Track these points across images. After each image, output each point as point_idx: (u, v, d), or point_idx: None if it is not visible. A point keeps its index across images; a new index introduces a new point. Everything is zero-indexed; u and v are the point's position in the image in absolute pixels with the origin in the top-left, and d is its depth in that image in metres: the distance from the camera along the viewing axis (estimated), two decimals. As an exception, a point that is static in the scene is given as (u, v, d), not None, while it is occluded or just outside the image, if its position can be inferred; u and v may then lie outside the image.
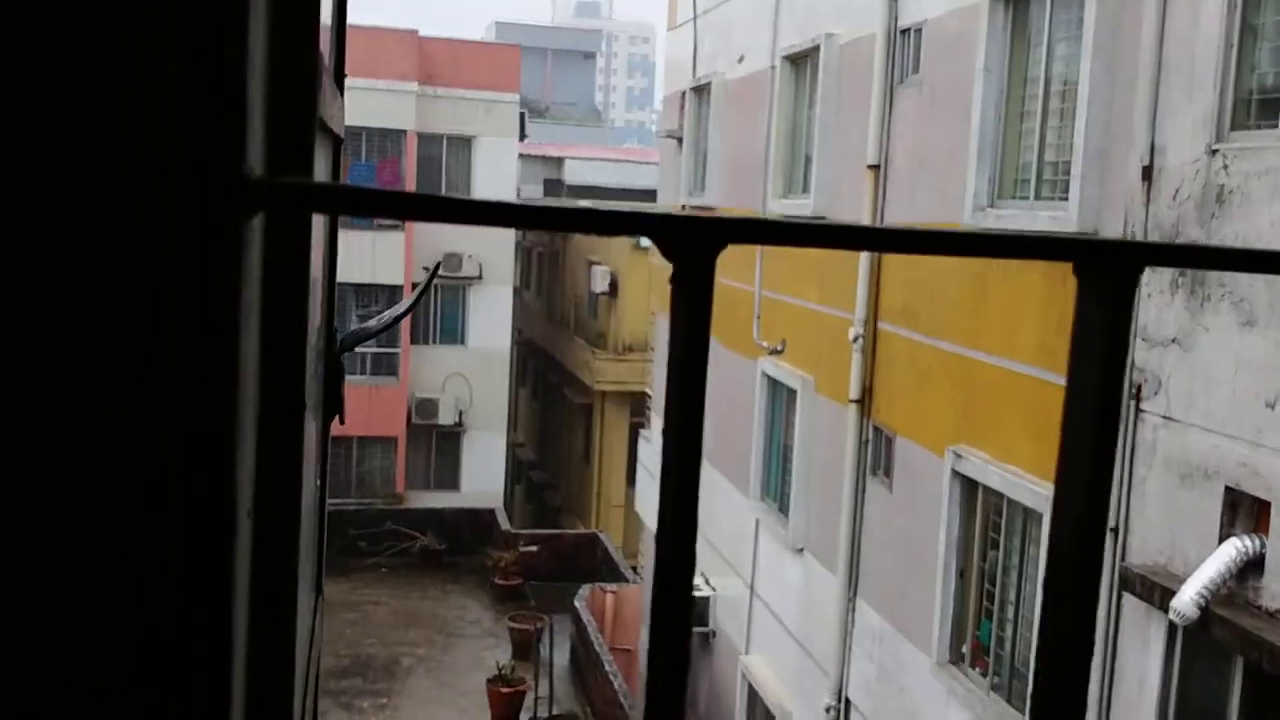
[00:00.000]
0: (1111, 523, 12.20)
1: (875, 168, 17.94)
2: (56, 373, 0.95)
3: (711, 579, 25.15)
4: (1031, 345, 13.70)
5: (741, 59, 24.29)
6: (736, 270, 22.94)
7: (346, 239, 39.83)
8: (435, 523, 41.29)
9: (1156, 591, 11.28)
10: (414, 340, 44.01)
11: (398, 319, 5.96)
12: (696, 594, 24.85)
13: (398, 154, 43.47)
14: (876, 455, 17.93)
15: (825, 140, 20.00)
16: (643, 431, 32.40)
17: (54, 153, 0.93)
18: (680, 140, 27.93)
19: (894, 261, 17.40)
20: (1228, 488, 10.81)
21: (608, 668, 28.47)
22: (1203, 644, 11.15)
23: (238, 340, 1.00)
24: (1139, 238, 11.86)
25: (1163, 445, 11.67)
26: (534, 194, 55.21)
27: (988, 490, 14.89)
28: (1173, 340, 11.58)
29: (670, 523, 0.97)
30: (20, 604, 0.97)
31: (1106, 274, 1.02)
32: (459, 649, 33.81)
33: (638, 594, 32.10)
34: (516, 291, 49.44)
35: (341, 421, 3.33)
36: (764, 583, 22.33)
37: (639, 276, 39.44)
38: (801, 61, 21.42)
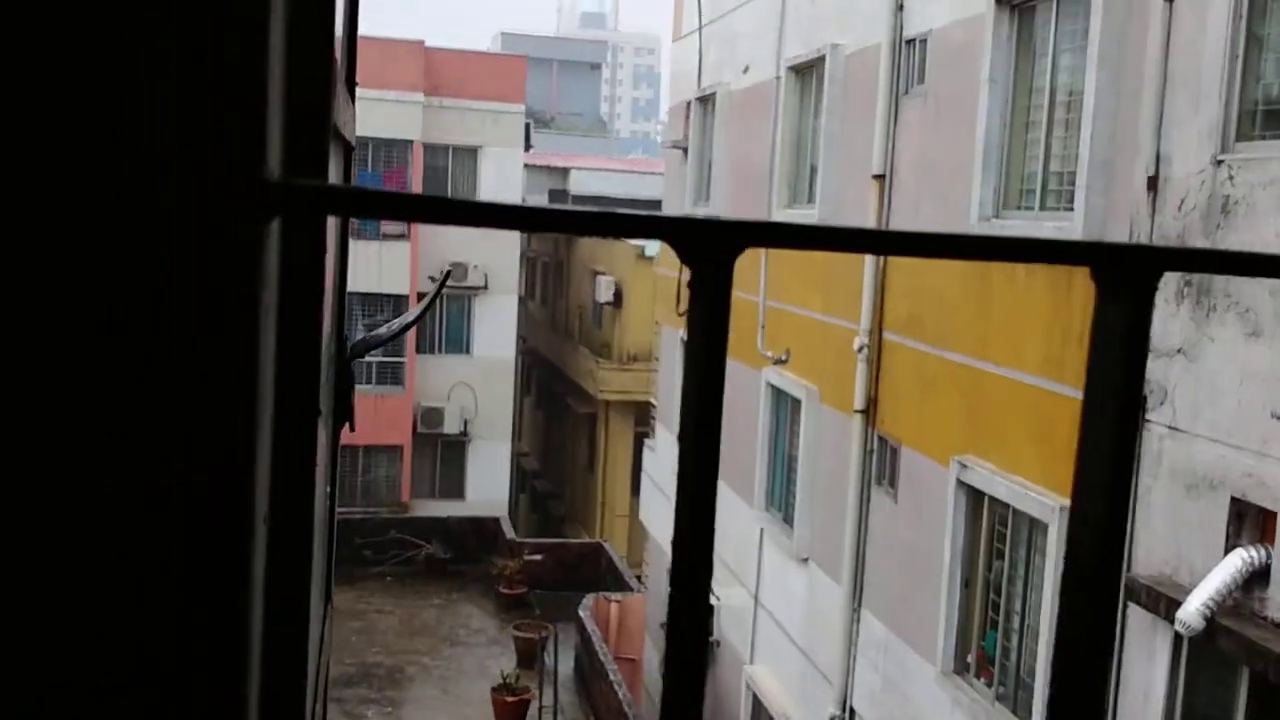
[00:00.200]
0: (1117, 533, 12.17)
1: (880, 178, 17.94)
2: (79, 376, 0.95)
3: (716, 588, 25.11)
4: (1037, 355, 13.70)
5: (747, 69, 24.29)
6: (741, 280, 22.88)
7: (353, 248, 39.91)
8: (440, 531, 41.30)
9: (1162, 602, 11.26)
10: (419, 349, 44.02)
11: (407, 326, 5.97)
12: (701, 603, 24.79)
13: (404, 164, 43.51)
14: (881, 465, 17.92)
15: (830, 150, 20.00)
16: (647, 441, 32.39)
17: (77, 158, 0.93)
18: (685, 150, 27.95)
19: (899, 271, 17.40)
20: (1233, 498, 10.80)
21: (612, 677, 28.44)
22: (1208, 655, 11.14)
23: (257, 344, 0.99)
24: (1145, 248, 11.84)
25: (1168, 456, 11.66)
26: (539, 204, 55.17)
27: (993, 500, 14.87)
28: (1178, 350, 11.57)
29: (687, 529, 0.97)
30: (20, 604, 0.97)
31: (1125, 278, 1.02)
32: (464, 657, 33.80)
33: (642, 603, 32.09)
34: (521, 301, 49.45)
35: (352, 429, 3.33)
36: (769, 592, 22.32)
37: (643, 286, 39.40)
38: (807, 72, 21.43)
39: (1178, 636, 11.24)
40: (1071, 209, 13.35)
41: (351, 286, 38.92)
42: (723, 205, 25.00)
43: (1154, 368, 11.84)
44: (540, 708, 29.57)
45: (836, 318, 19.27)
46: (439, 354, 45.00)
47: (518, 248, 47.28)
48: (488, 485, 45.39)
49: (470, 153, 45.01)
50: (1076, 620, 1.03)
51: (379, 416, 42.34)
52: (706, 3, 26.73)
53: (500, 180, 44.51)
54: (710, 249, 0.97)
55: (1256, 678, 10.60)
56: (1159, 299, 11.74)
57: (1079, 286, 12.76)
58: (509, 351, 46.42)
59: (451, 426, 44.46)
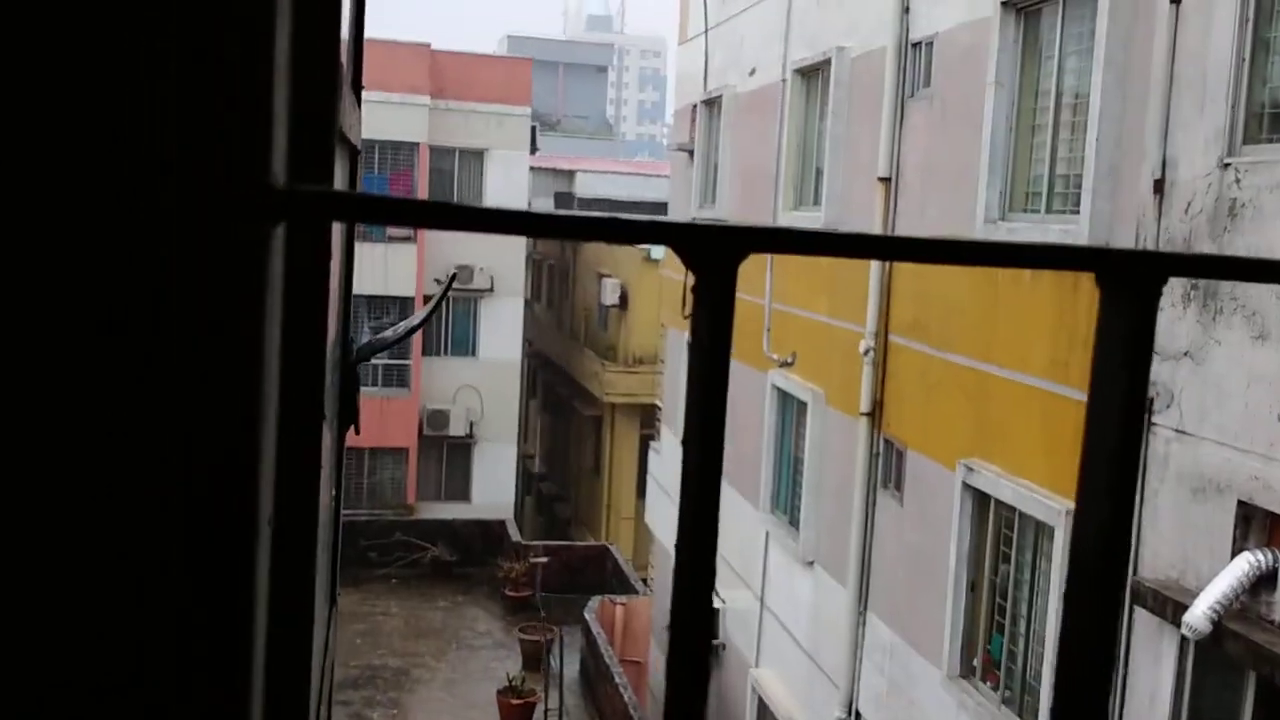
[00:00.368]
0: (1123, 536, 12.17)
1: (886, 180, 17.94)
2: (80, 377, 0.95)
3: (721, 591, 25.13)
4: (1043, 359, 13.69)
5: (753, 72, 24.31)
6: (747, 283, 22.92)
7: (359, 251, 39.93)
8: (446, 534, 41.36)
9: (1169, 606, 11.26)
10: (425, 352, 44.05)
11: (413, 330, 5.97)
12: (707, 606, 24.81)
13: (410, 166, 43.54)
14: (887, 468, 17.91)
15: (836, 153, 20.00)
16: (653, 444, 32.41)
17: (54, 155, 0.93)
18: (691, 153, 27.96)
19: (904, 274, 17.40)
20: (1240, 501, 10.79)
21: (617, 679, 28.46)
22: (1215, 659, 11.14)
23: (260, 347, 1.00)
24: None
25: (1175, 459, 11.65)
26: (545, 207, 55.25)
27: (999, 504, 14.87)
28: (1185, 354, 11.57)
29: (690, 532, 0.97)
30: (20, 604, 0.97)
31: (1129, 283, 1.02)
32: (469, 660, 33.83)
33: (648, 606, 32.09)
34: (527, 304, 49.47)
35: (357, 432, 3.33)
36: (774, 595, 22.32)
37: (649, 289, 39.40)
38: (812, 74, 21.44)
39: (1184, 640, 11.23)
40: (1077, 212, 13.35)
41: (358, 289, 39.02)
42: (728, 208, 25.01)
43: (1161, 371, 11.84)
44: (546, 710, 29.59)
45: (842, 320, 19.27)
46: (445, 356, 45.02)
47: (524, 251, 47.31)
48: (493, 488, 45.41)
49: (476, 155, 45.04)
50: (1080, 624, 1.04)
51: (385, 419, 42.38)
52: (712, 6, 26.72)
53: (506, 183, 44.54)
54: (714, 254, 0.98)
55: (1263, 682, 10.60)
56: (1165, 302, 11.76)
57: (1084, 290, 12.75)
58: (515, 354, 46.44)
59: (457, 429, 44.48)
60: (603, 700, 30.31)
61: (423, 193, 42.69)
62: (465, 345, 45.42)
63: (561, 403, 50.53)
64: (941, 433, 16.29)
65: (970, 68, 15.67)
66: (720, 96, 26.01)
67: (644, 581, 35.40)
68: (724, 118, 25.83)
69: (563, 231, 1.01)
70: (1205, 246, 11.33)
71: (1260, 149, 10.97)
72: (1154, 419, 11.90)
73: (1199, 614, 10.51)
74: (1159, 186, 11.94)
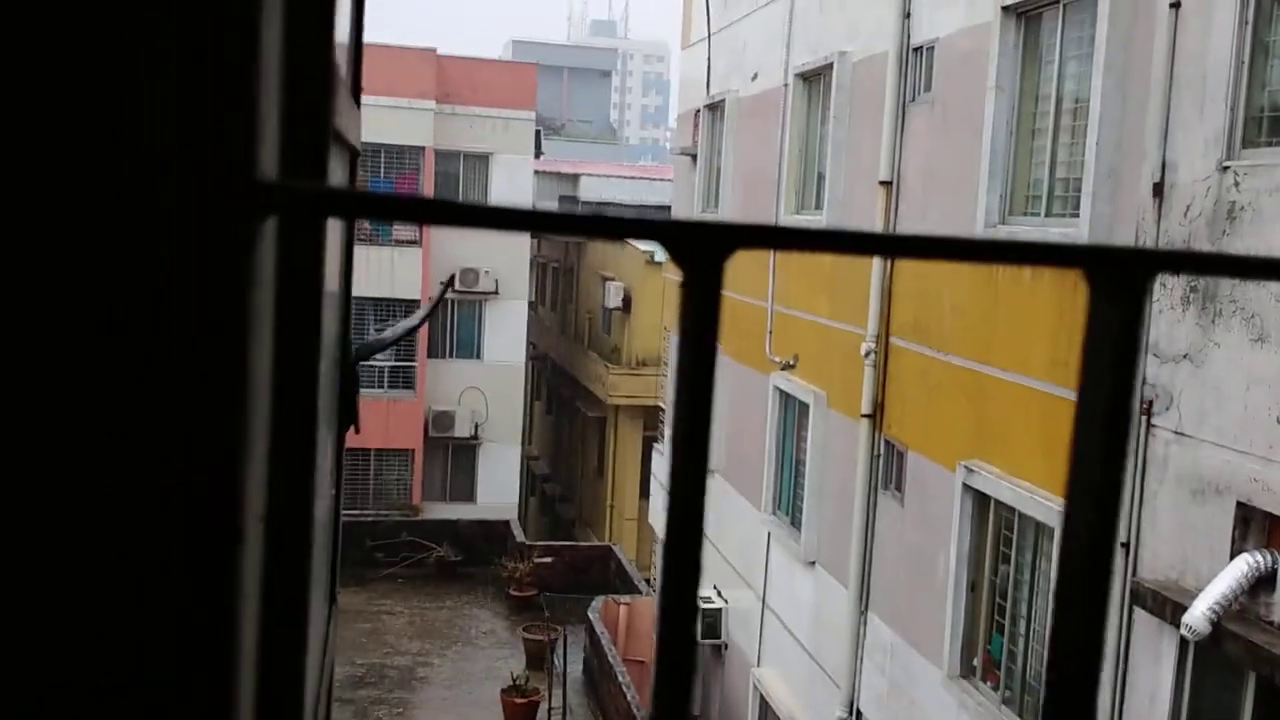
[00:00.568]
0: (1123, 537, 12.19)
1: (887, 184, 17.94)
2: (59, 373, 0.96)
3: (723, 591, 25.13)
4: (1043, 360, 13.69)
5: (755, 77, 24.30)
6: (749, 285, 22.94)
7: (365, 254, 40.11)
8: (451, 534, 41.33)
9: (1168, 606, 11.26)
10: (431, 354, 44.03)
11: (411, 330, 6.00)
12: (709, 606, 24.85)
13: (416, 170, 43.52)
14: (888, 469, 17.91)
15: (838, 157, 20.00)
16: (656, 445, 32.41)
17: (54, 155, 0.94)
18: (694, 157, 27.95)
19: (905, 276, 17.39)
20: (1239, 503, 10.79)
21: (621, 679, 28.43)
22: (1214, 659, 11.13)
23: (245, 343, 1.00)
24: (1152, 253, 11.85)
25: (1174, 460, 11.65)
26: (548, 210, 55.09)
27: (999, 504, 14.86)
28: (1184, 356, 11.57)
29: (677, 530, 0.98)
30: (20, 604, 0.98)
31: (1117, 281, 1.02)
32: (474, 659, 33.80)
33: (650, 606, 32.05)
34: (531, 306, 49.45)
35: (356, 431, 3.34)
36: (776, 595, 22.31)
37: (652, 292, 39.36)
38: (814, 79, 21.44)
39: (1183, 641, 11.23)
40: (1077, 215, 13.35)
41: (364, 291, 39.11)
42: (731, 211, 24.99)
43: (1160, 373, 11.84)
44: (549, 709, 29.56)
45: (843, 323, 19.27)
46: (450, 358, 45.01)
47: (528, 253, 47.30)
48: (498, 488, 45.40)
49: (481, 159, 45.02)
50: (1070, 623, 1.05)
51: (390, 420, 42.41)
52: (715, 11, 26.73)
53: (511, 187, 44.51)
54: (701, 250, 0.98)
55: (1262, 682, 10.59)
56: (1165, 304, 11.78)
57: (1084, 291, 12.75)
58: (519, 356, 46.42)
59: (462, 430, 44.46)
60: (606, 699, 30.30)
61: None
62: (470, 347, 45.41)
63: (565, 404, 50.52)
64: (942, 434, 16.29)
65: (971, 72, 15.67)
66: (723, 101, 26.00)
67: (647, 581, 35.40)
68: (727, 122, 25.83)
69: (550, 227, 1.01)
70: (1204, 249, 11.33)
71: (1259, 152, 10.97)
72: (1153, 421, 11.90)
73: (1198, 615, 10.51)
74: (1158, 190, 11.95)
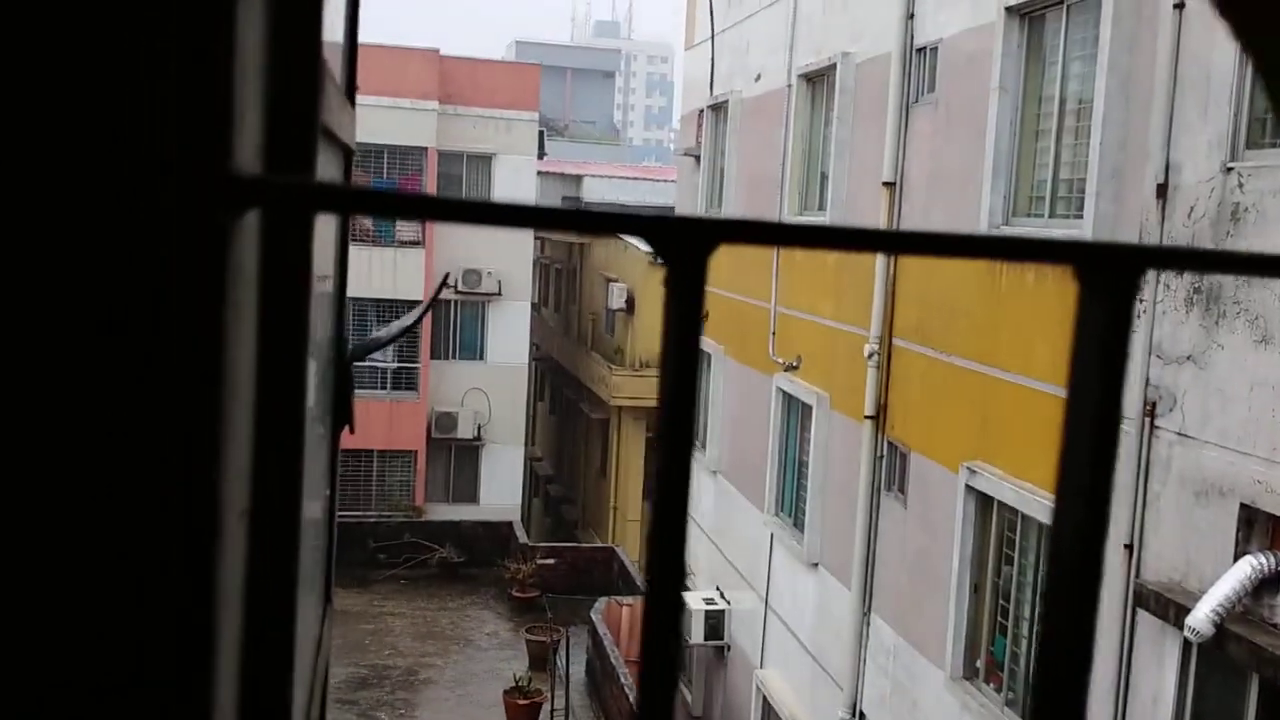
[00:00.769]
0: (1126, 539, 12.19)
1: (891, 185, 17.95)
2: (23, 366, 0.95)
3: (727, 593, 25.16)
4: (1046, 362, 13.68)
5: (758, 78, 24.32)
6: (752, 287, 22.96)
7: (369, 254, 40.25)
8: (454, 535, 41.43)
9: (1171, 608, 11.25)
10: (434, 355, 44.07)
11: (406, 329, 6.00)
12: (712, 608, 24.88)
13: (419, 171, 43.53)
14: (891, 471, 17.91)
15: (841, 158, 20.02)
16: (659, 447, 32.39)
17: (22, 143, 0.93)
18: (698, 158, 27.98)
19: (909, 278, 17.40)
20: (1243, 505, 10.79)
21: (623, 680, 28.46)
22: (1217, 661, 11.13)
23: (221, 338, 0.99)
24: (1155, 254, 11.85)
25: (1178, 462, 11.65)
26: (552, 211, 55.09)
27: (1002, 506, 14.86)
28: (1187, 358, 11.57)
29: (661, 526, 0.97)
30: (20, 603, 0.97)
31: (1107, 277, 1.02)
32: (476, 660, 33.86)
33: (653, 608, 32.06)
34: (535, 308, 49.48)
35: (351, 431, 3.33)
36: (779, 597, 22.32)
37: (656, 293, 39.31)
38: (818, 80, 21.45)
39: (1187, 643, 11.23)
40: (1081, 216, 13.34)
41: (367, 292, 39.22)
42: (734, 212, 24.99)
43: (1163, 374, 11.84)
44: (552, 710, 29.62)
45: (847, 324, 19.28)
46: (453, 360, 45.04)
47: (531, 255, 47.34)
48: (501, 490, 45.42)
49: (484, 160, 45.04)
50: (1059, 624, 1.04)
51: (394, 422, 42.48)
52: (719, 12, 26.75)
53: (514, 187, 44.52)
54: (684, 245, 0.98)
55: (1266, 684, 10.59)
56: (1169, 305, 11.77)
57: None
58: (522, 357, 46.46)
59: (465, 431, 44.49)
60: (608, 700, 30.34)
61: (431, 197, 42.58)
62: (473, 349, 45.45)
63: (569, 405, 50.54)
64: (944, 435, 16.29)
65: (974, 73, 15.67)
66: (726, 102, 26.03)
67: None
68: (730, 123, 25.86)
69: (535, 222, 1.01)
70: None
71: (1263, 153, 10.96)
72: (1157, 422, 11.90)
73: (1201, 617, 10.50)
74: (1162, 191, 11.94)
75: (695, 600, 25.23)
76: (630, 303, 43.23)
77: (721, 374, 25.77)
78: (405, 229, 42.79)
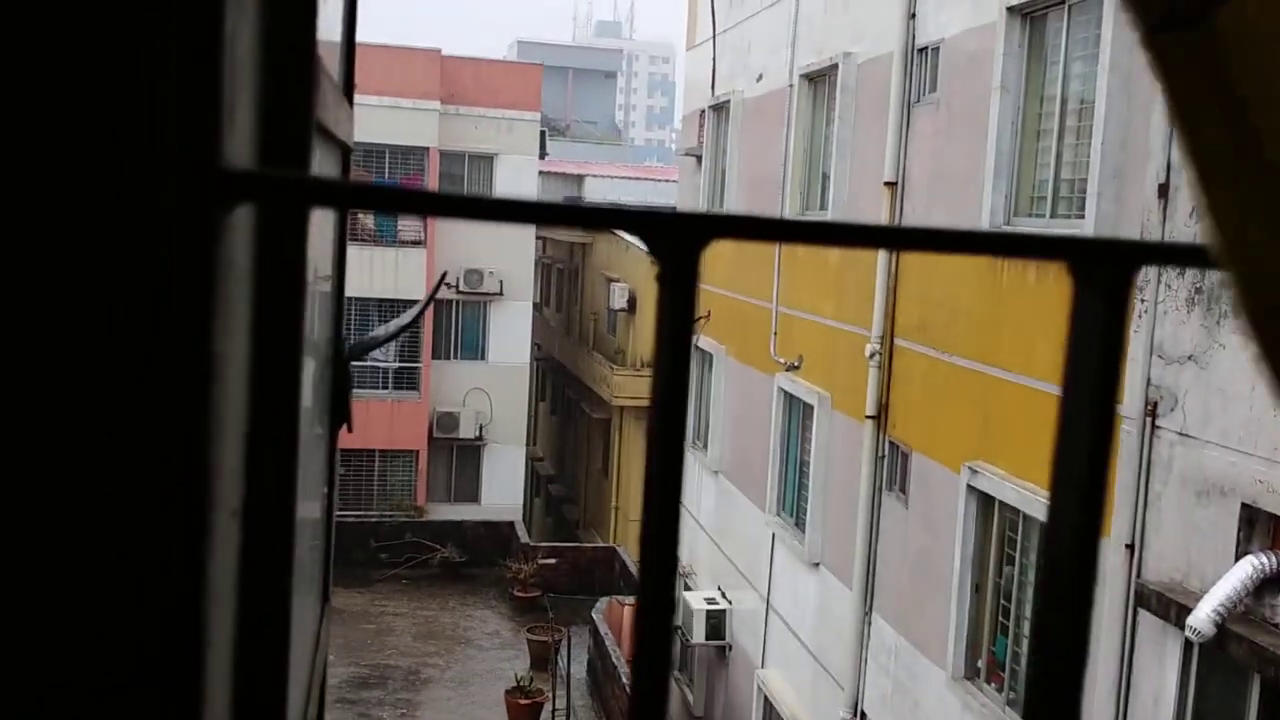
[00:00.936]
0: (1128, 539, 12.19)
1: (892, 185, 17.95)
2: (5, 362, 0.94)
3: (728, 592, 25.15)
4: (1047, 361, 13.67)
5: (760, 78, 24.32)
6: (754, 287, 22.97)
7: (370, 254, 40.28)
8: (455, 535, 41.47)
9: (1172, 608, 11.24)
10: (435, 355, 44.11)
11: (405, 328, 5.97)
12: (713, 607, 24.88)
13: (420, 171, 43.56)
14: (892, 470, 17.91)
15: (843, 158, 20.02)
16: (660, 447, 32.37)
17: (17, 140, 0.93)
18: (699, 158, 27.98)
19: (910, 277, 17.40)
20: (1244, 504, 10.78)
21: (624, 679, 28.48)
22: (1219, 661, 11.12)
23: (211, 333, 0.99)
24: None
25: (1179, 462, 11.64)
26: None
27: (1003, 505, 14.86)
28: (1189, 357, 11.56)
29: (655, 524, 0.96)
30: (20, 603, 0.97)
31: (1103, 273, 1.01)
32: (478, 660, 33.89)
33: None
34: (536, 308, 49.49)
35: (350, 430, 3.33)
36: (780, 597, 22.32)
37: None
38: (820, 80, 21.45)
39: (1188, 643, 11.22)
40: (1083, 216, 13.34)
41: (369, 292, 39.28)
42: (736, 212, 24.99)
43: (1164, 374, 11.83)
44: (553, 710, 29.65)
45: (848, 324, 19.27)
46: (455, 360, 45.07)
47: (533, 254, 47.35)
48: (503, 489, 45.46)
49: (486, 160, 45.07)
50: (1055, 623, 1.03)
51: (395, 421, 42.54)
52: (720, 12, 26.75)
53: (516, 187, 44.52)
54: (676, 241, 0.97)
55: (1267, 685, 10.58)
56: (1170, 305, 11.77)
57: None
58: (524, 357, 46.50)
59: (467, 431, 44.52)
60: (609, 700, 30.39)
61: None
62: (474, 349, 45.48)
63: (570, 405, 50.55)
64: (946, 435, 16.29)
65: (976, 73, 15.67)
66: (728, 102, 26.03)
67: (651, 584, 35.45)
68: (732, 123, 25.86)
69: (526, 217, 1.00)
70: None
71: (1264, 153, 10.94)
72: (1158, 422, 11.90)
73: (1203, 616, 10.50)
74: (1164, 190, 11.94)
75: (696, 600, 25.25)
76: (632, 303, 43.25)
77: (723, 374, 25.78)
78: (407, 229, 42.84)
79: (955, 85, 16.52)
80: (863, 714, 18.64)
